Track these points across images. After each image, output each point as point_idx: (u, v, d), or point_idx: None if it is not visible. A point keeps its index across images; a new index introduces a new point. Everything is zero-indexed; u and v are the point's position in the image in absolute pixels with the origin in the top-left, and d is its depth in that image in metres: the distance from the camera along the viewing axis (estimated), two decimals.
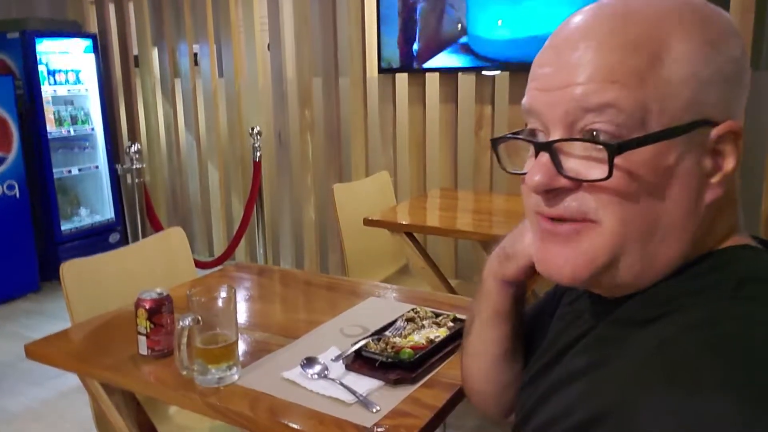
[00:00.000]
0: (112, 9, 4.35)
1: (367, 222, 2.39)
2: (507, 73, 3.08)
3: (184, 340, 1.15)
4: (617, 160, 0.51)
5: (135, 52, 4.38)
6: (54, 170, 3.88)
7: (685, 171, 0.53)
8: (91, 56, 4.08)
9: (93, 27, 4.39)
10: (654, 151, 0.52)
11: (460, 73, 3.22)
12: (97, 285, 1.66)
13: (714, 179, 0.54)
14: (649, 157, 0.52)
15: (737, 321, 0.49)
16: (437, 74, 3.26)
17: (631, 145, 0.52)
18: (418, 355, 1.22)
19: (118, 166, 3.56)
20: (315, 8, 3.58)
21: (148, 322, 1.28)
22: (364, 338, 1.29)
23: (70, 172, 4.05)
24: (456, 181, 3.37)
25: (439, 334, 1.32)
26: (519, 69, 3.00)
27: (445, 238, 3.37)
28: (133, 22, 4.31)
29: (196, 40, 4.11)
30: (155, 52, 4.31)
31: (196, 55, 4.18)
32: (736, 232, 0.59)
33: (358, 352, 1.24)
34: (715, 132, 0.53)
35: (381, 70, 3.35)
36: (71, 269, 1.59)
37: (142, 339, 1.29)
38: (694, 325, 0.50)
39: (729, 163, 0.54)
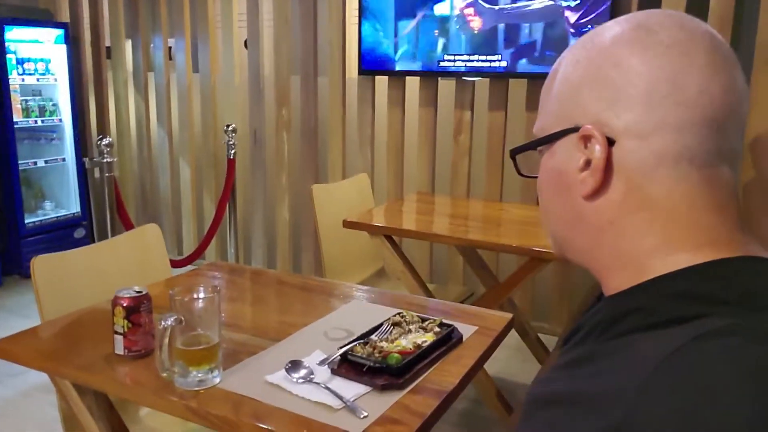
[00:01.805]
0: (85, 0, 4.23)
1: (346, 224, 2.36)
2: (487, 80, 3.08)
3: (166, 341, 1.11)
4: (518, 158, 0.69)
5: (108, 43, 4.27)
6: (19, 161, 3.76)
7: (560, 168, 0.62)
8: (62, 46, 3.97)
9: (65, 16, 4.27)
10: (545, 155, 0.64)
11: (440, 78, 3.21)
12: (68, 281, 1.60)
13: (580, 176, 0.59)
14: (544, 160, 0.65)
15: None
16: (417, 78, 3.24)
17: (515, 152, 0.69)
18: (405, 361, 1.19)
19: (86, 160, 3.46)
20: (295, 5, 3.53)
21: (125, 321, 1.23)
22: (350, 342, 1.26)
23: (35, 163, 3.93)
24: (433, 185, 3.36)
25: (427, 339, 1.29)
26: (498, 76, 3.01)
27: (421, 242, 3.36)
28: (107, 13, 4.20)
29: (171, 33, 4.03)
30: (128, 45, 4.21)
31: (170, 49, 4.10)
32: (686, 249, 0.56)
33: (344, 356, 1.21)
34: (576, 137, 0.59)
35: (361, 72, 3.32)
36: (42, 264, 1.53)
37: (119, 338, 1.24)
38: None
39: (590, 162, 0.59)
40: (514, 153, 0.69)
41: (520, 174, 0.71)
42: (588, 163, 0.59)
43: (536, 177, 0.67)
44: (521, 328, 2.66)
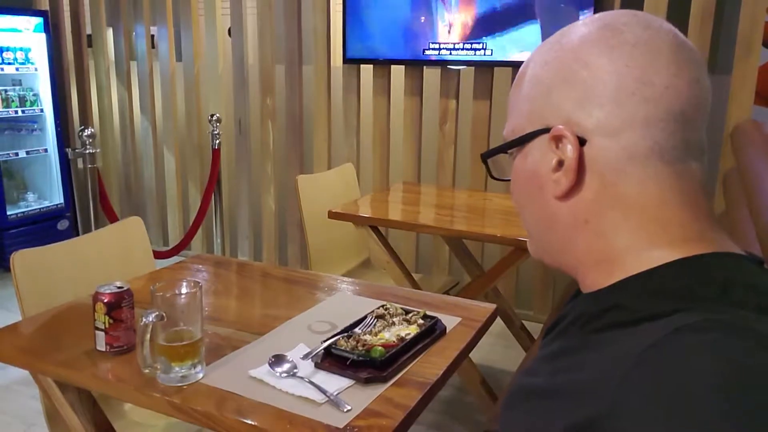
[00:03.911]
0: None
1: (332, 214, 2.35)
2: (472, 69, 3.08)
3: (147, 337, 1.10)
4: (490, 161, 0.69)
5: (89, 31, 4.21)
6: (0, 152, 3.71)
7: (533, 170, 0.62)
8: (42, 35, 3.90)
9: (44, 4, 4.20)
10: (517, 157, 0.65)
11: (425, 67, 3.20)
12: (49, 276, 1.58)
13: (553, 176, 0.60)
14: (516, 163, 0.65)
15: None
16: (403, 66, 3.23)
17: (485, 156, 0.68)
18: (389, 354, 1.19)
19: (69, 150, 3.42)
20: None
21: (106, 317, 1.22)
22: (333, 335, 1.26)
23: (17, 154, 3.88)
24: (419, 174, 3.35)
25: (410, 331, 1.30)
26: (483, 65, 3.00)
27: (407, 233, 3.36)
28: (87, 0, 4.14)
29: (153, 21, 3.97)
30: (110, 33, 4.16)
31: (153, 37, 4.05)
32: (658, 245, 0.57)
33: (327, 349, 1.22)
34: (547, 138, 0.60)
35: (346, 60, 3.30)
36: (22, 259, 1.51)
37: (100, 334, 1.23)
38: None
39: (562, 163, 0.59)
40: (486, 157, 0.69)
41: (492, 177, 0.71)
42: (561, 164, 0.59)
43: (509, 180, 0.68)
44: (506, 316, 2.67)
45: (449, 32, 3.00)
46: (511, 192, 0.67)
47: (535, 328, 2.83)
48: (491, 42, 2.92)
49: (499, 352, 2.87)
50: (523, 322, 2.77)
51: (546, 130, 0.60)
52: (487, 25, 2.92)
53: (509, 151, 0.66)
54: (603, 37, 0.58)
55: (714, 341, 0.47)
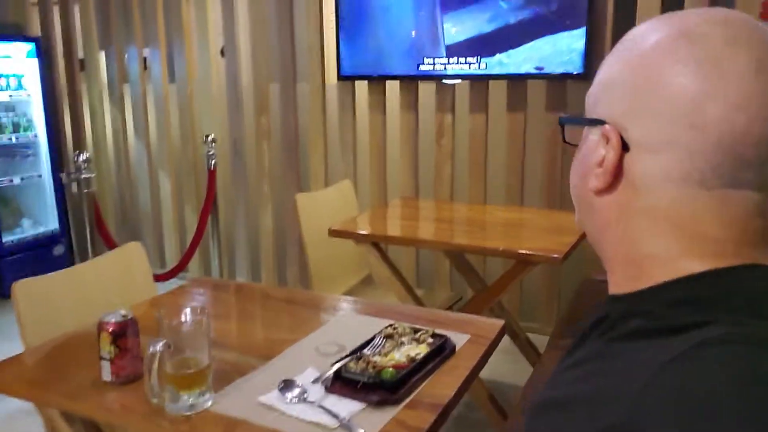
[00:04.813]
0: (56, 11, 4.16)
1: (332, 232, 2.34)
2: (467, 82, 3.08)
3: (155, 366, 1.08)
4: (566, 129, 0.67)
5: (81, 55, 4.20)
6: None
7: (585, 154, 0.62)
8: (34, 60, 3.89)
9: (36, 30, 4.20)
10: (582, 132, 0.63)
11: (420, 82, 3.20)
12: (51, 305, 1.56)
13: (595, 171, 0.59)
14: (584, 134, 0.63)
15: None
16: (397, 82, 3.23)
17: (562, 122, 0.67)
18: (400, 375, 1.18)
19: (63, 175, 3.40)
20: (272, 12, 3.50)
21: (112, 347, 1.20)
22: (343, 358, 1.24)
23: (11, 181, 3.85)
24: (417, 189, 3.35)
25: (420, 351, 1.28)
26: (478, 78, 3.01)
27: (407, 248, 3.34)
28: (79, 24, 4.13)
29: (145, 43, 3.97)
30: (102, 56, 4.15)
31: (145, 59, 4.04)
32: (689, 257, 0.55)
33: (337, 373, 1.20)
34: (600, 131, 0.59)
35: (340, 77, 3.30)
36: (23, 289, 1.49)
37: (106, 364, 1.21)
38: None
39: (604, 161, 0.58)
40: (563, 122, 0.68)
41: (564, 141, 0.69)
42: (604, 161, 0.59)
43: (576, 145, 0.66)
44: (511, 329, 2.65)
45: (444, 47, 3.01)
46: (574, 156, 0.66)
47: (540, 341, 2.81)
48: (485, 57, 2.93)
49: (506, 366, 2.84)
50: (528, 335, 2.75)
51: (602, 123, 0.59)
52: (482, 42, 2.92)
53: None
54: (673, 47, 0.55)
55: (735, 354, 0.47)
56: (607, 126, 0.58)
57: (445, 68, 3.03)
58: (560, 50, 2.78)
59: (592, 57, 2.74)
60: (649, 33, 0.58)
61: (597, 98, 0.61)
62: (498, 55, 2.90)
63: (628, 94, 0.57)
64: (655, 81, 0.55)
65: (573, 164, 0.65)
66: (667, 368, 0.47)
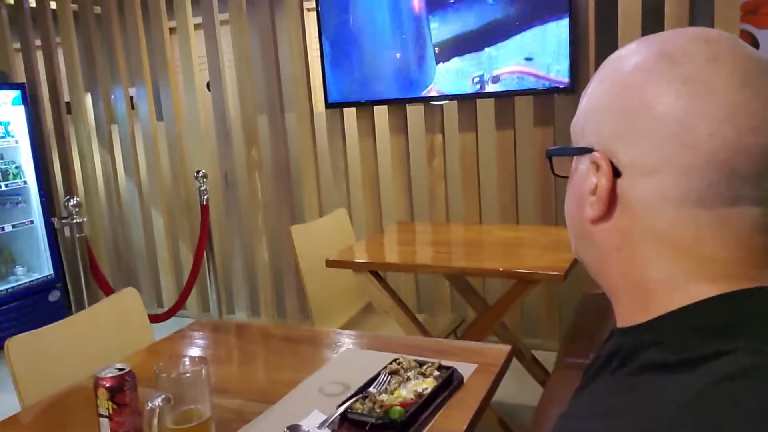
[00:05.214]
0: (40, 56, 4.16)
1: (330, 263, 2.31)
2: (455, 102, 3.08)
3: (155, 421, 1.04)
4: (554, 160, 0.65)
5: (67, 98, 4.19)
6: None
7: (577, 183, 0.60)
8: (21, 107, 3.88)
9: (21, 76, 4.19)
10: (572, 162, 0.62)
11: (408, 104, 3.20)
12: (47, 359, 1.53)
13: (589, 199, 0.58)
14: (571, 168, 0.62)
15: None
16: (386, 106, 3.23)
17: (549, 155, 0.65)
18: (409, 413, 1.14)
19: (55, 220, 3.37)
20: (255, 44, 3.51)
21: (109, 403, 1.16)
22: (348, 398, 1.21)
23: (3, 229, 3.81)
24: (412, 212, 3.33)
25: (427, 385, 1.25)
26: (465, 98, 3.00)
27: (406, 273, 3.31)
28: (63, 67, 4.13)
29: (131, 83, 3.97)
30: (89, 98, 4.14)
31: (132, 98, 4.04)
32: (689, 283, 0.54)
33: (344, 414, 1.16)
34: (590, 159, 0.58)
35: (328, 105, 3.30)
36: (18, 345, 1.45)
37: (105, 422, 1.17)
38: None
39: (597, 189, 0.57)
40: (550, 155, 0.66)
41: (554, 173, 0.67)
42: (597, 189, 0.57)
43: (566, 177, 0.65)
44: (515, 349, 2.62)
45: (429, 69, 3.01)
46: (567, 188, 0.65)
47: (545, 357, 2.77)
48: (475, 51, 2.90)
49: (513, 386, 2.80)
50: (533, 351, 2.72)
51: (590, 150, 0.58)
52: (470, 38, 2.90)
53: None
54: (657, 67, 0.54)
55: (758, 389, 0.45)
56: (596, 153, 0.57)
57: (432, 90, 3.02)
58: (549, 41, 2.76)
59: (577, 52, 2.75)
60: (629, 56, 0.57)
61: (583, 126, 0.60)
62: (487, 49, 2.87)
63: (614, 118, 0.56)
64: (641, 103, 0.54)
65: (566, 196, 0.64)
66: (688, 409, 0.45)
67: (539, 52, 2.79)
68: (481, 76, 2.91)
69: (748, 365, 0.47)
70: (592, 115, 0.59)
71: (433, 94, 3.03)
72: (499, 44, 2.85)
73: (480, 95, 2.96)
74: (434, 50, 2.98)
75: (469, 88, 2.94)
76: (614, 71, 0.58)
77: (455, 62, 2.95)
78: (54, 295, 4.00)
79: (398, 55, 3.06)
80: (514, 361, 2.66)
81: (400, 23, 3.04)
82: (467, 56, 2.92)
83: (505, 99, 2.97)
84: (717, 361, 0.48)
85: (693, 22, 2.69)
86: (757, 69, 0.52)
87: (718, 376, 0.47)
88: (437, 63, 2.98)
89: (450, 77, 2.97)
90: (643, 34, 0.62)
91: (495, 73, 2.88)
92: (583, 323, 2.36)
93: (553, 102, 2.91)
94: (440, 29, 2.95)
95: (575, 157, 0.61)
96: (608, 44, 2.74)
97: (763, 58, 0.53)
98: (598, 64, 0.64)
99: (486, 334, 2.27)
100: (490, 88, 2.90)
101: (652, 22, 2.69)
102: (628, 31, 2.68)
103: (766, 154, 0.51)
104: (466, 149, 3.12)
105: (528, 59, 2.81)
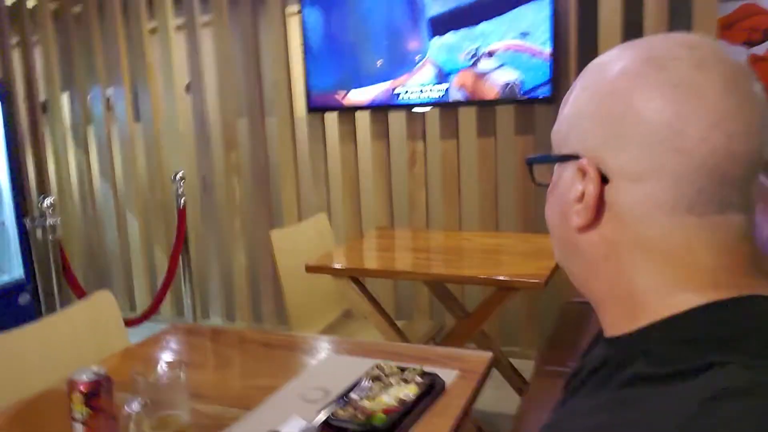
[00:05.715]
0: (16, 54, 4.08)
1: (309, 269, 2.29)
2: (437, 110, 3.08)
3: (132, 427, 1.02)
4: (534, 168, 0.64)
5: (43, 97, 4.11)
6: None
7: (561, 192, 0.59)
8: None
9: None
10: (555, 170, 0.61)
11: (390, 111, 3.20)
12: (18, 362, 1.48)
13: (575, 207, 0.57)
14: (554, 177, 0.61)
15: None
16: (367, 112, 3.22)
17: (529, 162, 0.64)
18: (392, 419, 1.13)
19: (27, 221, 3.29)
20: (237, 46, 3.48)
21: (85, 408, 1.13)
22: (329, 404, 1.19)
23: None
24: (392, 218, 3.32)
25: (409, 391, 1.24)
26: (447, 105, 3.01)
27: (385, 279, 3.30)
28: (40, 66, 4.06)
29: (109, 83, 3.91)
30: (65, 98, 4.07)
31: (109, 99, 3.98)
32: (679, 292, 0.53)
33: (325, 420, 1.15)
34: (576, 166, 0.57)
35: (310, 110, 3.28)
36: None
37: (79, 427, 1.14)
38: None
39: (584, 196, 0.56)
40: (530, 162, 0.65)
41: (534, 182, 0.66)
42: (583, 196, 0.56)
43: (547, 185, 0.64)
44: (494, 356, 2.62)
45: (412, 75, 3.01)
46: (547, 196, 0.64)
47: (522, 365, 2.78)
48: (470, 26, 2.88)
49: (491, 394, 2.80)
50: (510, 360, 2.72)
51: (576, 158, 0.57)
52: (465, 13, 2.88)
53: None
54: (643, 73, 0.53)
55: (756, 410, 0.44)
56: (582, 159, 0.56)
57: (415, 96, 3.02)
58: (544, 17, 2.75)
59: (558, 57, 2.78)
60: (613, 61, 0.56)
61: (566, 133, 0.59)
62: (483, 24, 2.85)
63: (601, 124, 0.55)
64: (628, 108, 0.53)
65: (548, 204, 0.63)
66: (690, 426, 0.45)
67: (535, 29, 2.77)
68: (476, 50, 2.88)
69: (744, 382, 0.46)
70: (576, 122, 0.58)
71: (427, 66, 2.99)
72: (493, 19, 2.84)
73: (462, 103, 2.97)
74: (429, 23, 2.95)
75: (462, 63, 2.92)
76: (598, 77, 0.57)
77: (449, 36, 2.93)
78: (24, 298, 3.90)
79: (379, 62, 3.05)
80: (493, 371, 2.67)
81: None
82: (462, 31, 2.91)
83: (487, 108, 2.98)
84: (709, 374, 0.47)
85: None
86: (740, 75, 0.52)
87: (712, 392, 0.46)
88: (431, 37, 2.96)
89: (443, 51, 2.95)
90: None
91: (488, 49, 2.86)
92: (563, 331, 2.37)
93: (534, 111, 2.93)
94: (435, 3, 2.94)
95: (557, 165, 0.61)
96: (589, 57, 2.76)
97: (744, 64, 0.54)
98: (578, 75, 0.63)
99: (465, 341, 2.27)
100: (483, 63, 2.87)
101: (632, 36, 2.72)
102: (609, 46, 2.70)
103: (752, 160, 0.51)
104: (447, 156, 3.13)
105: (524, 34, 2.80)
